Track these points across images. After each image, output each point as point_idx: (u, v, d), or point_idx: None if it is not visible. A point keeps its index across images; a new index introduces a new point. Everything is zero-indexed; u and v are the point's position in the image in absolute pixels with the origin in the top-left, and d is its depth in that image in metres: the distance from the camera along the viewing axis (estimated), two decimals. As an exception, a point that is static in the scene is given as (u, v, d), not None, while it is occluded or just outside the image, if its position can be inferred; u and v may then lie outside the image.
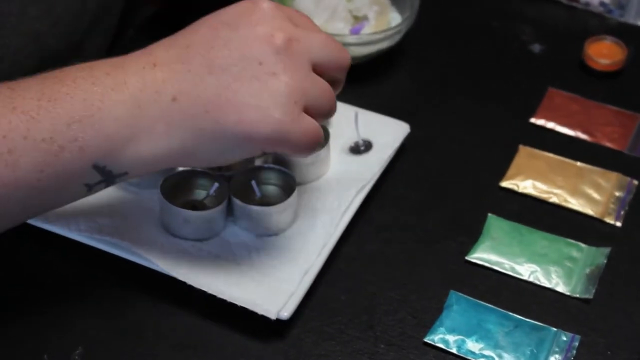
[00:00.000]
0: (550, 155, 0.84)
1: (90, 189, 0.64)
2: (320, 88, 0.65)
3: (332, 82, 0.67)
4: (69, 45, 0.80)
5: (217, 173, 0.75)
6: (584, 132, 0.86)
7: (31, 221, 0.72)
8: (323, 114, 0.66)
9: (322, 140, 0.65)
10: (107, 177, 0.63)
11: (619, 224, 0.78)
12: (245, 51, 0.63)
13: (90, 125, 0.61)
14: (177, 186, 0.74)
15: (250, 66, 0.63)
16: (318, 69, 0.65)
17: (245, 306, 0.68)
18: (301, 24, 0.66)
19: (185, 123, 0.63)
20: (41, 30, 0.76)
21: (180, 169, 0.75)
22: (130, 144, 0.62)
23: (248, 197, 0.74)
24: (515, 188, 0.81)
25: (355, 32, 0.88)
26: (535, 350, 0.69)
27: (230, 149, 0.64)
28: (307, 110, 0.64)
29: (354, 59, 0.87)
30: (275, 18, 0.64)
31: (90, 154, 0.62)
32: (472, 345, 0.69)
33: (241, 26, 0.64)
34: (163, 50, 0.64)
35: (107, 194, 0.75)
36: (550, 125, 0.87)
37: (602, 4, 0.98)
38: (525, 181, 0.81)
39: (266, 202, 0.74)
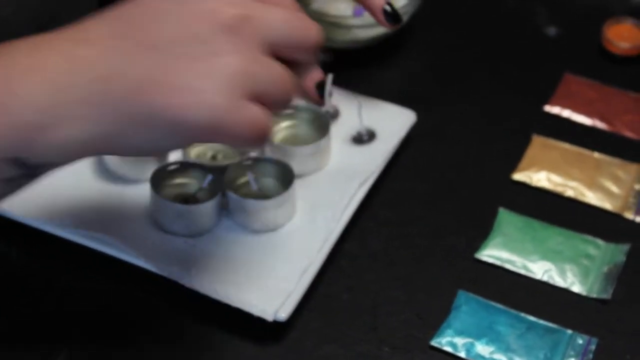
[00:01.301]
0: (566, 145, 0.83)
1: (11, 185, 0.60)
2: (273, 73, 0.61)
3: (298, 65, 0.63)
4: (40, 28, 0.79)
5: (211, 164, 0.75)
6: (602, 120, 0.86)
7: (11, 216, 0.72)
8: (276, 103, 0.61)
9: (268, 133, 0.61)
10: (27, 169, 0.60)
11: (639, 219, 0.78)
12: (190, 28, 0.59)
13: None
14: (168, 178, 0.74)
15: (193, 45, 0.59)
16: (276, 50, 0.61)
17: (240, 307, 0.68)
18: None
19: (112, 106, 0.58)
20: (6, 17, 0.75)
21: (172, 159, 0.75)
22: (48, 131, 0.58)
23: (244, 190, 0.74)
24: (528, 181, 0.81)
25: (358, 13, 0.88)
26: (549, 354, 0.69)
27: (159, 136, 0.59)
28: (258, 99, 0.60)
29: (357, 42, 0.88)
30: None
31: (2, 145, 0.58)
32: (482, 348, 0.69)
33: (189, 0, 0.60)
34: (95, 25, 0.60)
35: (92, 187, 0.75)
36: (566, 113, 0.87)
37: (623, -16, 0.98)
38: (538, 173, 0.81)
39: (263, 195, 0.74)
